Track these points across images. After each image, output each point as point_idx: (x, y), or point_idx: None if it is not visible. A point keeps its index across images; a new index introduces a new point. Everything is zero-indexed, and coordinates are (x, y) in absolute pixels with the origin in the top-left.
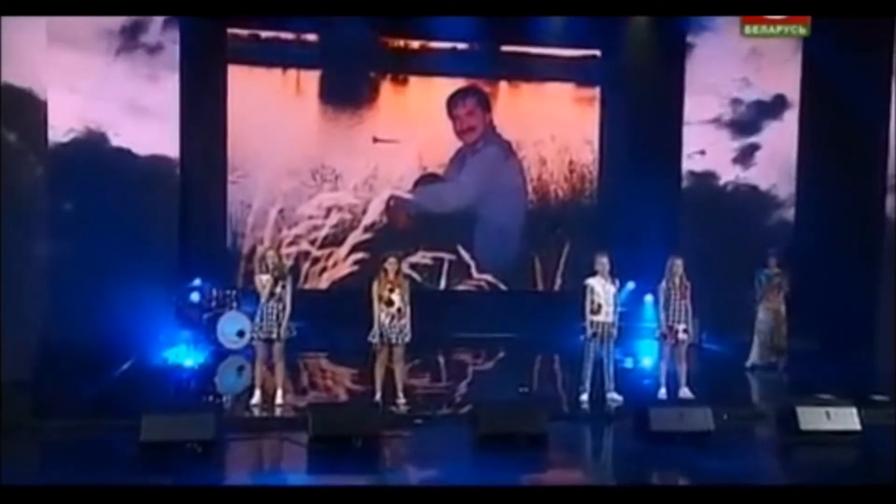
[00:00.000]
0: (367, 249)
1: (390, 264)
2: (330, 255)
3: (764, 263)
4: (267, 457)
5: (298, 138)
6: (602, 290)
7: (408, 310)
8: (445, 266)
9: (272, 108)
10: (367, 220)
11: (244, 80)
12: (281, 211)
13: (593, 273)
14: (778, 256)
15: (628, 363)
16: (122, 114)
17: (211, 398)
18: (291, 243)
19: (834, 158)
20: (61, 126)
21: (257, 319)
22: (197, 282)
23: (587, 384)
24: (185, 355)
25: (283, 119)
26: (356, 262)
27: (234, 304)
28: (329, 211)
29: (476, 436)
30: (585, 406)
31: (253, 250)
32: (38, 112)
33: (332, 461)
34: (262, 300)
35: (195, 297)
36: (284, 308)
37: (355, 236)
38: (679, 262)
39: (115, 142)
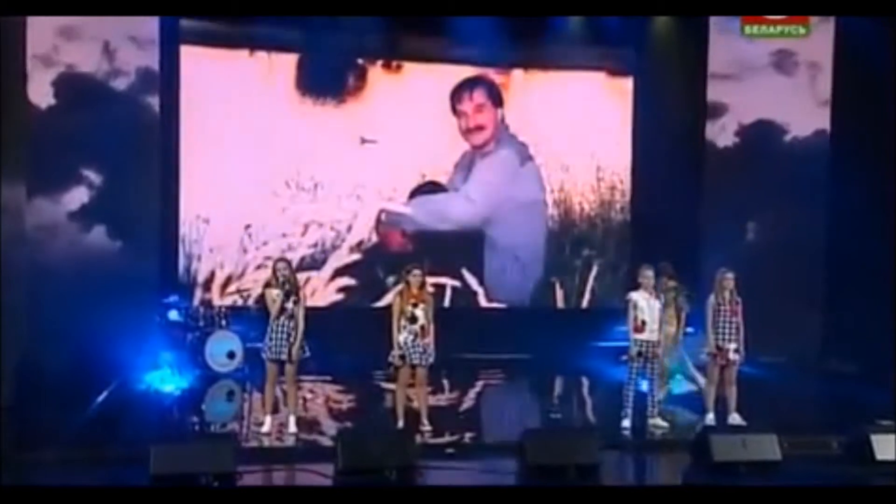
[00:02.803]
0: (353, 274)
1: (414, 277)
2: (307, 281)
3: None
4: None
5: (269, 138)
6: (646, 305)
7: (432, 328)
8: (448, 294)
9: (236, 99)
10: (352, 239)
11: (200, 65)
12: (247, 227)
13: (636, 287)
14: (667, 270)
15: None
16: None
17: (197, 427)
18: (259, 267)
19: (869, 154)
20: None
21: (266, 339)
22: (174, 298)
23: (629, 409)
24: (169, 380)
25: (250, 114)
26: (340, 290)
27: (223, 323)
28: (307, 227)
29: (524, 466)
30: (627, 433)
31: (212, 277)
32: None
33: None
34: (272, 317)
35: (174, 315)
36: (296, 326)
37: (339, 258)
38: (730, 276)
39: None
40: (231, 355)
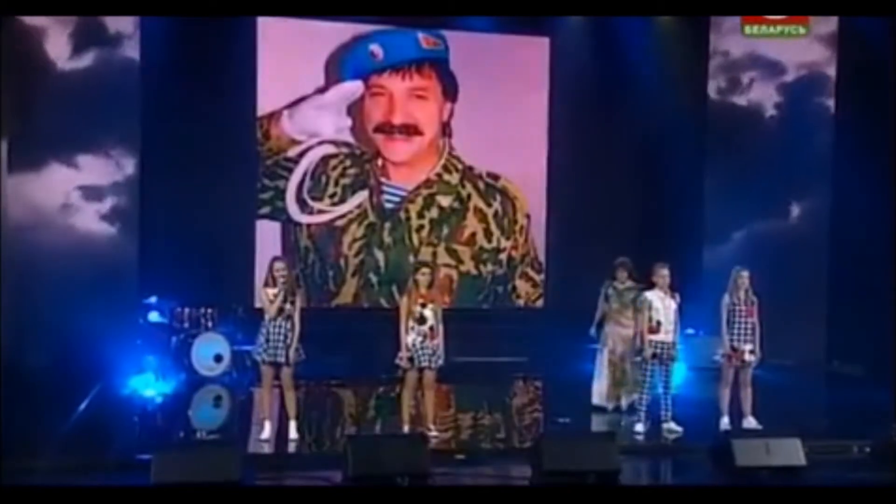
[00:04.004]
0: None
1: (422, 275)
2: None
3: (612, 275)
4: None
5: None
6: (661, 305)
7: (441, 328)
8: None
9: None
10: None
11: None
12: None
13: (651, 286)
14: (628, 267)
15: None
16: None
17: (182, 434)
18: None
19: (872, 155)
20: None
21: (262, 340)
22: (153, 299)
23: (643, 413)
24: (152, 384)
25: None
26: None
27: (210, 325)
28: None
29: (539, 472)
30: (640, 437)
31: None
32: None
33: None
34: (268, 318)
35: (154, 316)
36: (293, 327)
37: None
38: (745, 275)
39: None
40: (218, 358)
